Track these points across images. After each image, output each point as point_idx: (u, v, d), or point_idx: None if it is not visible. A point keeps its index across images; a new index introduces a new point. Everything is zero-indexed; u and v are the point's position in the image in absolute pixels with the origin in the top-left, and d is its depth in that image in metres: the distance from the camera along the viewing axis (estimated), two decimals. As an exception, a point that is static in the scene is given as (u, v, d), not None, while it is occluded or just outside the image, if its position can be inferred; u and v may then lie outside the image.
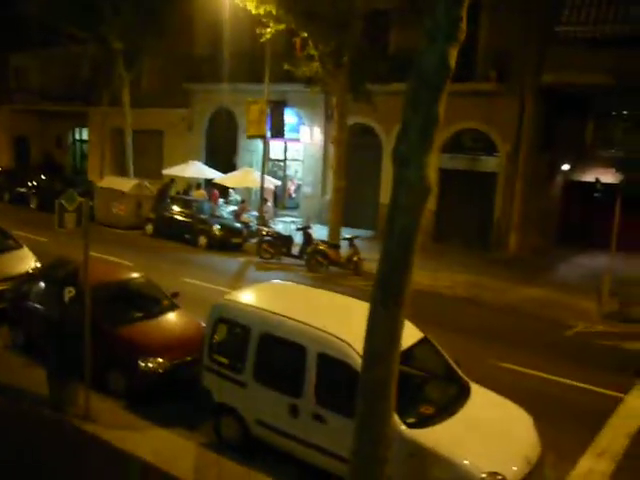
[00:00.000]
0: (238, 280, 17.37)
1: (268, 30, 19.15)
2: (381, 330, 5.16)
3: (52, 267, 11.63)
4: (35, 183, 29.75)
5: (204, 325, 9.03)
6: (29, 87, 38.16)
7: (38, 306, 11.03)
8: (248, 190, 26.99)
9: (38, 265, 13.61)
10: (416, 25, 5.27)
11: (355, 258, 18.97)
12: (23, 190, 29.67)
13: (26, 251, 14.49)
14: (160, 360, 9.39)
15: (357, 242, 19.48)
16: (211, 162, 29.13)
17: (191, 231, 22.46)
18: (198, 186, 27.30)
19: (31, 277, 12.10)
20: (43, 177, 30.55)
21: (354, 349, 6.89)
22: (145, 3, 25.66)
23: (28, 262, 13.88)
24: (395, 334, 5.17)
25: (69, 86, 34.95)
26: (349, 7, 18.23)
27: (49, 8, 26.07)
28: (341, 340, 7.21)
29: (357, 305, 8.33)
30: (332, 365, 7.21)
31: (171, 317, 10.72)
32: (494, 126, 22.48)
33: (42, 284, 11.29)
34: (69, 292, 9.56)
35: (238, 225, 22.84)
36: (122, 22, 26.02)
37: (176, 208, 23.50)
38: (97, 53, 29.93)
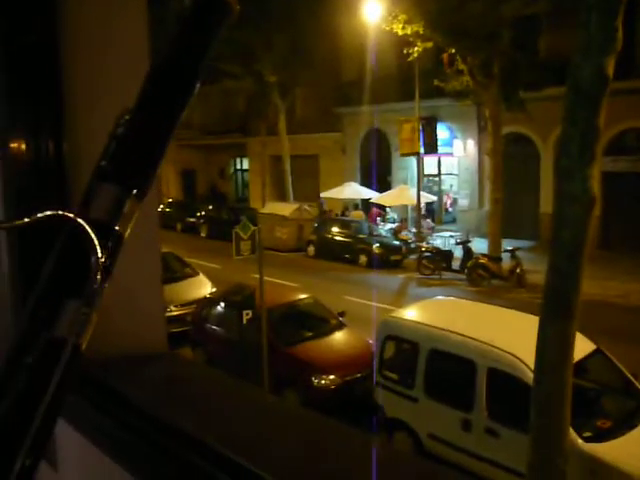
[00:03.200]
0: (400, 297, 17.60)
1: (415, 49, 19.43)
2: (552, 343, 5.19)
3: (231, 292, 12.53)
4: (203, 213, 31.62)
5: (372, 342, 9.35)
6: (192, 123, 40.92)
7: (217, 328, 11.91)
8: (404, 207, 27.24)
9: (214, 290, 14.62)
10: (567, 27, 5.29)
11: (518, 270, 18.58)
12: (193, 220, 31.63)
13: (202, 277, 15.59)
14: (332, 377, 9.82)
15: (519, 253, 19.09)
16: (366, 182, 29.69)
17: (351, 251, 23.01)
18: (355, 207, 27.92)
19: (210, 301, 13.06)
20: (210, 207, 32.40)
21: (524, 363, 6.91)
22: (296, 38, 26.77)
23: (205, 288, 14.92)
24: (566, 346, 5.17)
25: (227, 119, 37.01)
26: (497, 17, 18.10)
27: None
28: (511, 354, 7.24)
29: (524, 318, 8.29)
30: (503, 379, 7.26)
31: (340, 335, 11.16)
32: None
33: (220, 308, 12.17)
34: (247, 314, 10.25)
35: (397, 242, 23.10)
36: (275, 57, 27.31)
37: (335, 229, 24.21)
38: (252, 87, 31.54)
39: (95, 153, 1.50)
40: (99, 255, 0.54)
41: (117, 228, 0.56)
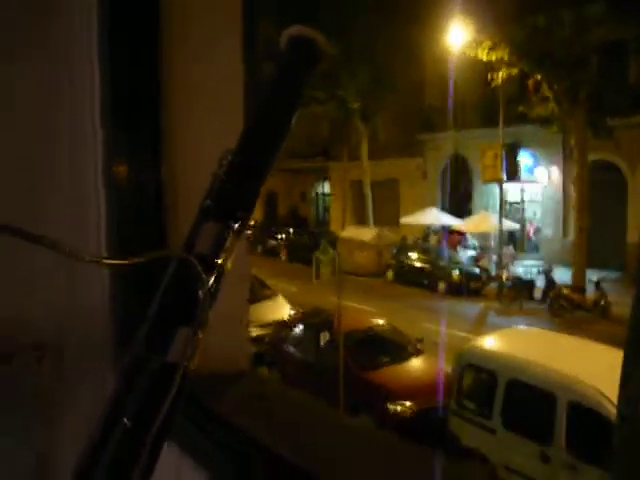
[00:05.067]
0: (479, 325, 17.33)
1: (500, 75, 19.29)
2: (638, 377, 5.04)
3: (309, 315, 12.68)
4: (284, 236, 32.00)
5: (449, 370, 9.27)
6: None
7: (294, 350, 12.05)
8: (486, 235, 26.86)
9: (292, 312, 14.78)
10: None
11: (602, 302, 17.99)
12: (273, 243, 32.06)
13: (281, 299, 15.78)
14: (408, 404, 9.76)
15: (604, 284, 18.50)
16: (447, 208, 29.46)
17: (430, 277, 22.83)
18: (436, 233, 27.73)
19: (288, 323, 13.23)
20: (291, 230, 32.76)
21: (607, 397, 6.72)
22: (379, 65, 26.96)
23: (283, 310, 15.07)
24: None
25: (310, 143, 37.46)
26: (584, 43, 17.79)
27: None
28: (592, 388, 7.05)
29: (607, 351, 8.05)
30: (584, 413, 7.07)
31: (417, 362, 11.10)
32: None
33: (298, 330, 12.32)
34: (324, 337, 10.35)
35: (477, 270, 22.79)
36: (358, 84, 27.58)
37: (415, 255, 24.08)
38: (335, 112, 31.88)
39: (191, 185, 1.60)
40: (206, 288, 0.60)
41: (220, 262, 0.62)
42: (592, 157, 21.32)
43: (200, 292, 0.59)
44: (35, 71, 1.68)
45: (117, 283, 1.60)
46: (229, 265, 0.63)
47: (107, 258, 0.67)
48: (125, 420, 0.55)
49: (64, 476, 0.58)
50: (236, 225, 0.63)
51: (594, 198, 20.81)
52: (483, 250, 24.91)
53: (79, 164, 1.72)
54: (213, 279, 0.61)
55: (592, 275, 19.39)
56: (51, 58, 1.68)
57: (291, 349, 12.17)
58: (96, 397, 1.68)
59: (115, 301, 1.61)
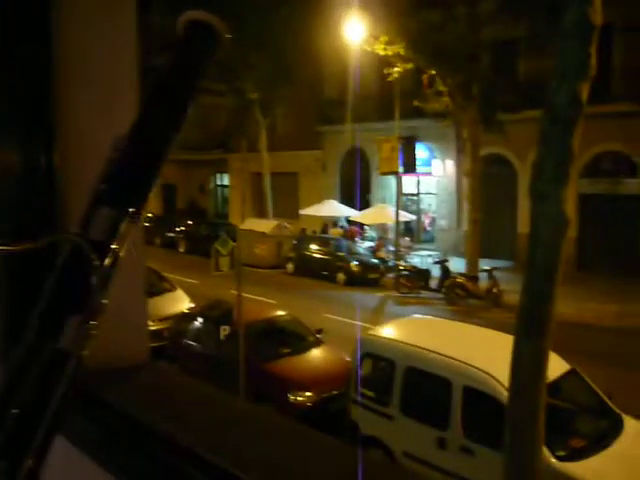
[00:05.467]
0: (378, 315, 17.66)
1: (396, 69, 19.67)
2: (526, 362, 5.25)
3: (209, 307, 12.51)
4: (182, 228, 31.49)
5: (349, 360, 9.38)
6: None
7: (194, 343, 11.87)
8: (383, 226, 27.39)
9: (192, 306, 14.57)
10: (545, 52, 5.41)
11: (495, 290, 18.74)
12: (172, 235, 31.48)
13: (180, 293, 15.55)
14: (309, 394, 9.82)
15: (496, 273, 19.27)
16: (345, 200, 29.82)
17: (329, 268, 23.06)
18: (335, 224, 28.01)
19: (187, 317, 13.02)
20: (189, 222, 32.28)
21: (499, 382, 6.97)
22: (277, 56, 26.92)
23: (183, 303, 14.87)
24: (540, 366, 5.24)
25: (208, 135, 36.99)
26: (477, 40, 18.39)
27: None
28: (486, 373, 7.31)
29: (499, 337, 8.38)
30: (478, 398, 7.32)
31: (317, 352, 11.18)
32: (636, 148, 21.60)
33: (198, 323, 12.14)
34: (224, 330, 10.25)
35: (375, 261, 23.20)
36: (257, 75, 27.42)
37: (314, 247, 24.25)
38: (233, 103, 31.60)
39: (84, 171, 1.53)
40: (100, 273, 0.58)
41: (114, 247, 0.59)
42: (484, 151, 22.12)
43: (93, 278, 0.57)
44: None
45: (4, 270, 1.53)
46: (123, 252, 0.61)
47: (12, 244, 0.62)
48: (14, 410, 0.54)
49: None
50: (131, 210, 0.61)
51: (487, 190, 21.61)
52: (381, 241, 25.38)
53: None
54: (107, 265, 0.59)
55: (485, 264, 20.14)
56: None
57: (191, 342, 11.98)
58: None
59: (2, 289, 1.54)
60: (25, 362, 0.56)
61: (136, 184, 0.63)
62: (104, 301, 0.58)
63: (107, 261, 0.59)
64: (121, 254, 0.60)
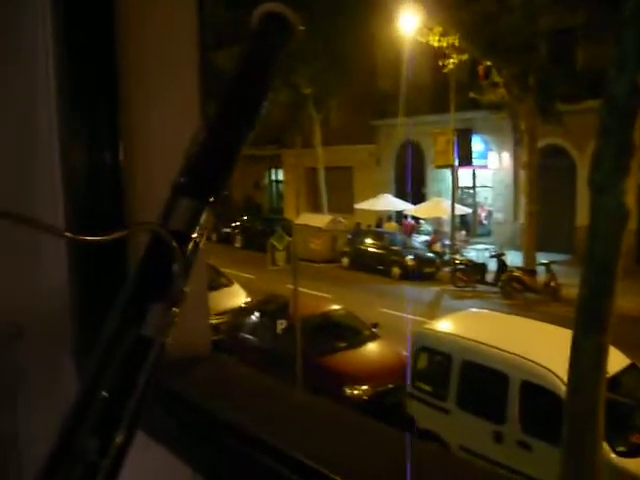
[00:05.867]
0: (433, 309, 17.56)
1: (451, 61, 19.48)
2: (585, 357, 5.16)
3: (265, 302, 12.68)
4: (238, 223, 31.77)
5: (405, 354, 9.40)
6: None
7: (250, 337, 12.05)
8: (438, 219, 27.17)
9: (248, 300, 14.76)
10: (604, 40, 5.31)
11: (552, 284, 18.41)
12: (228, 230, 31.80)
13: (237, 287, 15.76)
14: (365, 387, 9.87)
15: (554, 267, 18.93)
16: (400, 194, 29.66)
17: (384, 262, 23.01)
18: (389, 219, 27.93)
19: (244, 311, 13.21)
20: (245, 217, 32.54)
21: (557, 376, 6.90)
22: (331, 51, 26.91)
23: (239, 297, 15.07)
24: (600, 361, 5.14)
25: (263, 131, 37.10)
26: (533, 30, 18.07)
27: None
28: (545, 367, 7.23)
29: (558, 332, 8.26)
30: (536, 392, 7.25)
31: (373, 346, 11.22)
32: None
33: (254, 317, 12.32)
34: (281, 324, 10.37)
35: (430, 255, 23.05)
36: (311, 70, 27.48)
37: (369, 241, 24.23)
38: (287, 98, 31.73)
39: (147, 164, 1.61)
40: (182, 262, 0.60)
41: (194, 236, 0.62)
42: (542, 142, 21.72)
43: (175, 266, 0.59)
44: None
45: (76, 262, 1.59)
46: (203, 241, 0.63)
47: (84, 235, 0.63)
48: (104, 392, 0.56)
49: (26, 450, 0.58)
50: (211, 199, 0.63)
51: (544, 182, 21.22)
52: (436, 235, 25.20)
53: (34, 146, 1.72)
54: (188, 254, 0.62)
55: (542, 258, 19.80)
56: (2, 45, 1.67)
57: (248, 336, 12.17)
58: (54, 378, 1.68)
59: (75, 280, 1.60)
60: (111, 347, 0.58)
61: (215, 176, 0.65)
62: (185, 289, 0.60)
63: (188, 250, 0.61)
64: (202, 244, 0.63)
